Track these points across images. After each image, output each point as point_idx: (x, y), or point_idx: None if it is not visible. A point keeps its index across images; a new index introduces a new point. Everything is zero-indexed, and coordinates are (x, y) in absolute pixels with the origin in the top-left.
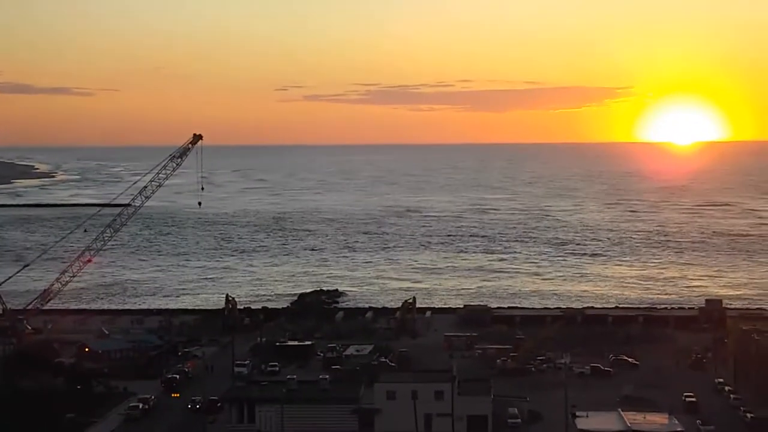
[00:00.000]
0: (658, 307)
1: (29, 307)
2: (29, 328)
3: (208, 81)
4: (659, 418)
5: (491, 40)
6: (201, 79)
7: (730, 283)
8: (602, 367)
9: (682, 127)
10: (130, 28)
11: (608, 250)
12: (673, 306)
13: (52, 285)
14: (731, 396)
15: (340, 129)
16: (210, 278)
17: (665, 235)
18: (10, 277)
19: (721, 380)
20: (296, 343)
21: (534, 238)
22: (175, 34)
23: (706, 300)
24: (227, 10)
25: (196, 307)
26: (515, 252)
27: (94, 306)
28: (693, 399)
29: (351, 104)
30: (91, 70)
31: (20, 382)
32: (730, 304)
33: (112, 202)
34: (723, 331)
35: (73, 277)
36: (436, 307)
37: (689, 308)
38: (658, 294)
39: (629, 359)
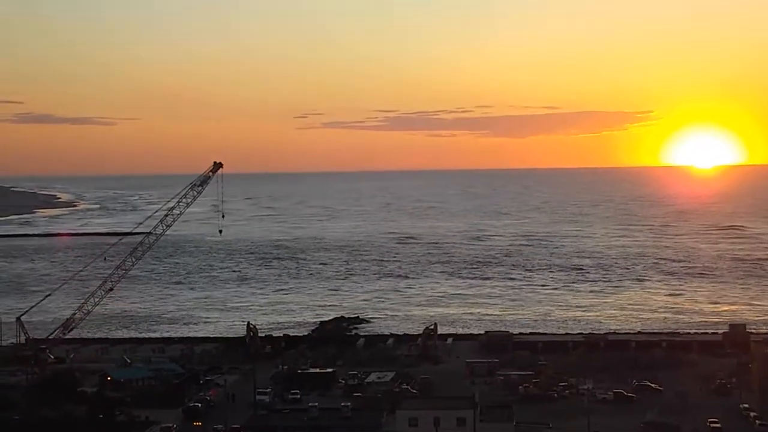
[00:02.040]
0: (682, 332)
1: (51, 336)
2: (52, 357)
3: (228, 108)
4: None
5: (510, 65)
6: (221, 106)
7: (754, 307)
8: (625, 393)
9: (702, 151)
10: (150, 57)
11: (629, 275)
12: (696, 331)
13: (74, 314)
14: (756, 421)
15: (359, 156)
16: (231, 306)
17: (687, 260)
18: (32, 307)
19: (746, 405)
20: (318, 370)
21: (554, 264)
22: (195, 62)
23: (730, 325)
24: (247, 38)
25: (218, 336)
26: (536, 278)
27: (115, 335)
28: (718, 425)
29: (370, 131)
30: (112, 99)
31: (43, 411)
32: (755, 329)
33: (134, 231)
34: (747, 355)
35: (95, 306)
36: (458, 333)
37: (713, 333)
38: (681, 319)
39: (653, 385)
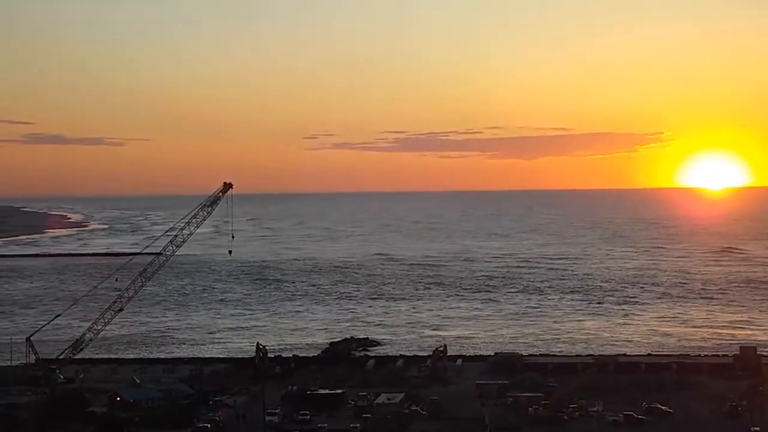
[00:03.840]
0: (692, 354)
1: (61, 356)
2: (61, 377)
3: (238, 129)
4: None
5: (520, 86)
6: (230, 127)
7: (766, 330)
8: (635, 415)
9: (713, 173)
10: (160, 78)
11: (640, 297)
12: (706, 353)
13: (84, 334)
14: None
15: (368, 177)
16: (240, 327)
17: (697, 282)
18: (42, 327)
19: (758, 429)
20: (327, 391)
21: (564, 285)
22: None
23: (741, 347)
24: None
25: (227, 356)
26: (546, 299)
27: (125, 355)
28: None
29: (380, 152)
30: (123, 119)
31: (52, 431)
32: (766, 351)
33: (144, 251)
34: (758, 378)
35: (105, 326)
36: (467, 354)
37: (723, 355)
38: (692, 341)
39: (663, 407)
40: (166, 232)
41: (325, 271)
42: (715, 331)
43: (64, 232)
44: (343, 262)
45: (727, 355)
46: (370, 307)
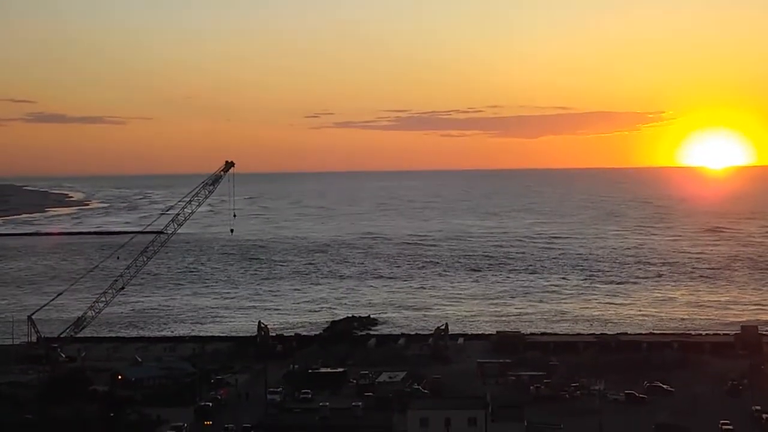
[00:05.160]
0: (693, 332)
1: (63, 335)
2: (63, 356)
3: (239, 108)
4: None
5: (521, 65)
6: (232, 106)
7: (766, 308)
8: (637, 394)
9: (714, 152)
10: (161, 56)
11: (641, 276)
12: (708, 332)
13: (86, 313)
14: None
15: (370, 156)
16: (242, 305)
17: (698, 261)
18: (44, 305)
19: (758, 407)
20: (329, 370)
21: (565, 264)
22: (206, 61)
23: (742, 326)
24: (258, 38)
25: (229, 335)
26: (547, 278)
27: (127, 334)
28: (729, 427)
29: (382, 131)
30: (124, 98)
31: (54, 409)
32: (767, 330)
33: (145, 230)
34: (759, 357)
35: (107, 304)
36: (469, 333)
37: (724, 334)
38: (693, 319)
39: (664, 386)
40: (165, 211)
41: (320, 250)
42: (717, 309)
43: (65, 210)
44: (337, 241)
45: (728, 334)
46: (371, 286)
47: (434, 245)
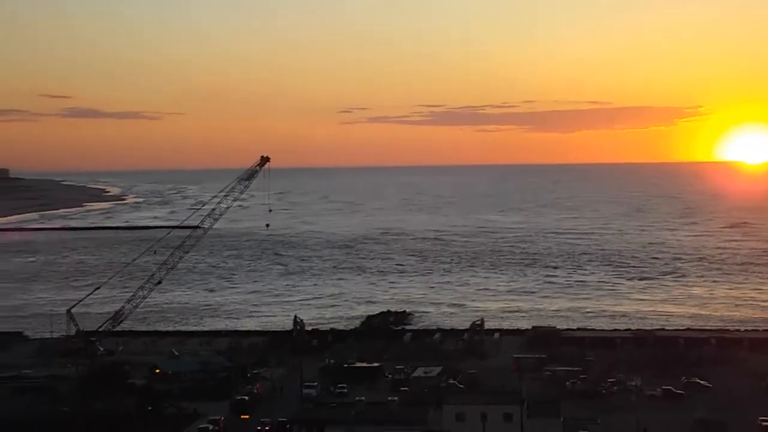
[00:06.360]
0: (732, 328)
1: (101, 328)
2: (102, 349)
3: (273, 103)
4: None
5: (556, 59)
6: (266, 101)
7: None
8: (674, 390)
9: (751, 147)
10: (195, 53)
11: (679, 271)
12: (746, 328)
13: (124, 307)
14: None
15: (404, 151)
16: (277, 300)
17: (737, 256)
18: (82, 299)
19: None
20: (364, 364)
21: (601, 259)
22: (240, 57)
23: None
24: (291, 34)
25: (265, 329)
26: (583, 273)
27: (164, 328)
28: None
29: (416, 126)
30: (159, 94)
31: (92, 403)
32: None
33: (182, 224)
34: None
35: (144, 298)
36: (505, 328)
37: (764, 330)
38: (732, 315)
39: (702, 382)
40: (200, 206)
41: (350, 245)
42: (756, 305)
43: (103, 205)
44: (368, 236)
45: (767, 330)
46: (406, 282)
47: (467, 240)
